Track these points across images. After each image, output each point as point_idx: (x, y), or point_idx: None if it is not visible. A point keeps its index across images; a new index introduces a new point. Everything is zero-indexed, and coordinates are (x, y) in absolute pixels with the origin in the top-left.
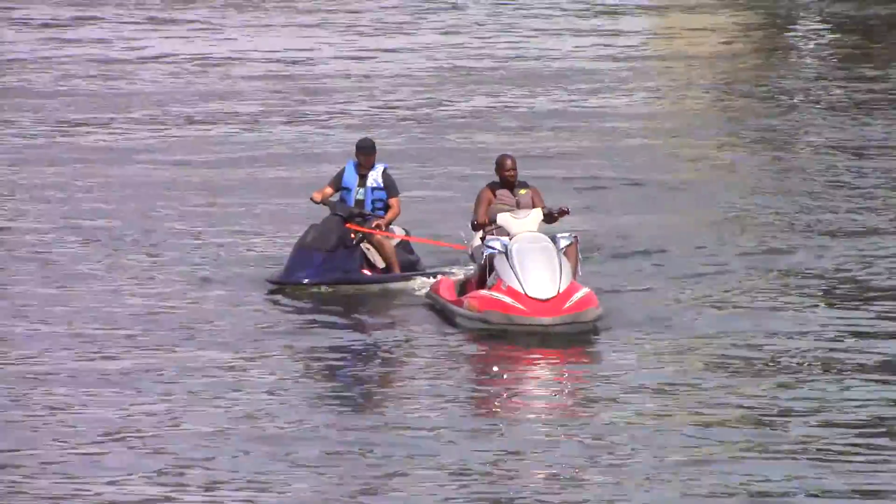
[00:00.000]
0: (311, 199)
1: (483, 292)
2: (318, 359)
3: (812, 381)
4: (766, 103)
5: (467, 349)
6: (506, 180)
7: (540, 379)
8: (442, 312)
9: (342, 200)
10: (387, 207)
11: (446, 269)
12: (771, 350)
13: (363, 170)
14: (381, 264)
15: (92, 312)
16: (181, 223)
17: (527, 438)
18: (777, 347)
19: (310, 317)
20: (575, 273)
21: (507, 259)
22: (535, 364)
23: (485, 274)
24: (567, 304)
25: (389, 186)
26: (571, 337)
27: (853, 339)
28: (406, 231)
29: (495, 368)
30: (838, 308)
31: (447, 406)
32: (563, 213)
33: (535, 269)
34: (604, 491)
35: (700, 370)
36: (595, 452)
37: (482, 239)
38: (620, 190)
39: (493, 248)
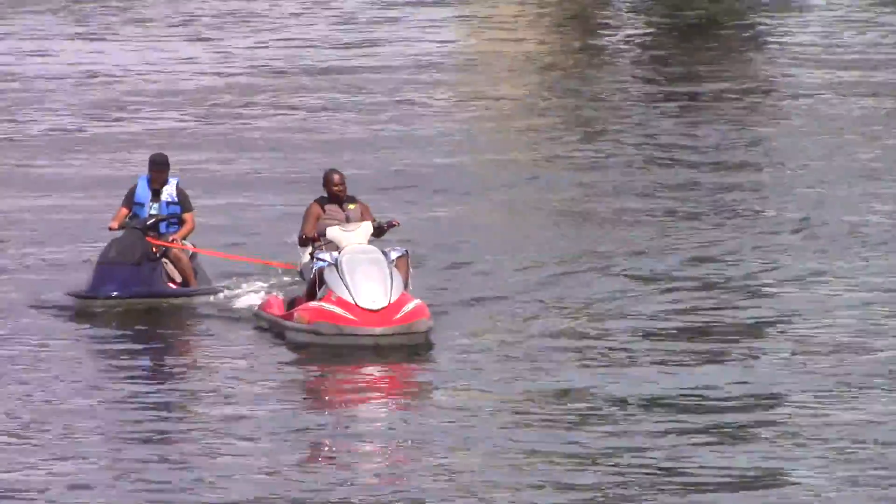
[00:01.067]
0: (110, 228)
1: (313, 304)
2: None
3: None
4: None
5: (299, 361)
6: (334, 195)
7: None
8: (271, 329)
9: (135, 216)
10: (181, 222)
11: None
12: (603, 343)
13: (156, 185)
14: (178, 278)
15: None
16: None
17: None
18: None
19: (126, 332)
20: (406, 285)
21: (337, 270)
22: (365, 376)
23: (314, 289)
24: (398, 315)
25: (183, 201)
26: (404, 349)
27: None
28: (193, 244)
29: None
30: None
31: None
32: (391, 225)
33: (366, 279)
34: None
35: (530, 372)
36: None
37: (311, 254)
38: (433, 190)
39: (323, 261)
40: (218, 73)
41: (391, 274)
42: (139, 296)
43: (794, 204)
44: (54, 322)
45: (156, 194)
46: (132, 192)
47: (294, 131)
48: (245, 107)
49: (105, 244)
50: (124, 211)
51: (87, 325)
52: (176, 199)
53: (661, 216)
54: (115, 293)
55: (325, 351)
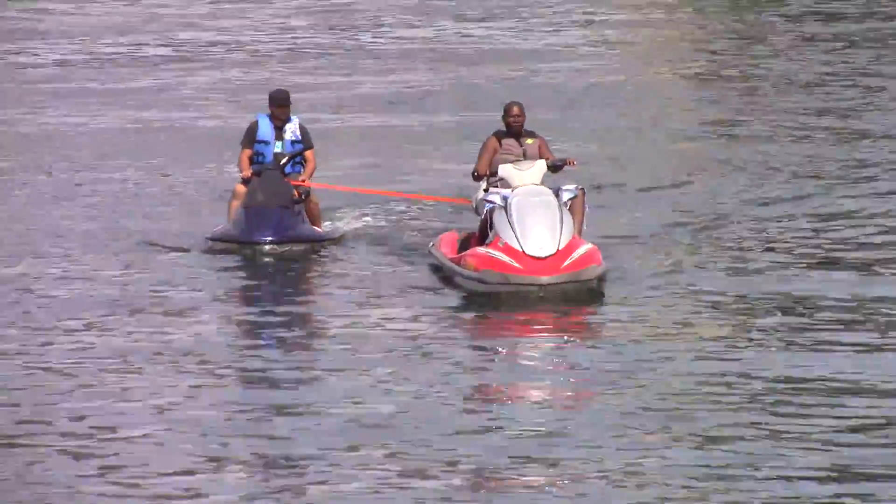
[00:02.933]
0: (243, 176)
1: (480, 250)
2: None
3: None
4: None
5: (460, 319)
6: (512, 128)
7: (533, 357)
8: (441, 270)
9: (259, 154)
10: (304, 161)
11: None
12: (785, 317)
13: (278, 122)
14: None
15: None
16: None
17: (522, 429)
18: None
19: (295, 279)
20: (580, 228)
21: (506, 214)
22: (528, 337)
23: (486, 228)
24: (566, 262)
25: (306, 138)
26: (569, 298)
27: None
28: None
29: (487, 347)
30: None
31: (437, 390)
32: (568, 164)
33: (534, 225)
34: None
35: (706, 337)
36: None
37: (485, 191)
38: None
39: (492, 202)
40: None
41: (562, 218)
42: (294, 240)
43: None
44: (208, 265)
45: (279, 132)
46: (253, 132)
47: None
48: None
49: (237, 185)
50: (247, 152)
51: (242, 270)
52: (299, 137)
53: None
54: (271, 238)
55: (492, 299)
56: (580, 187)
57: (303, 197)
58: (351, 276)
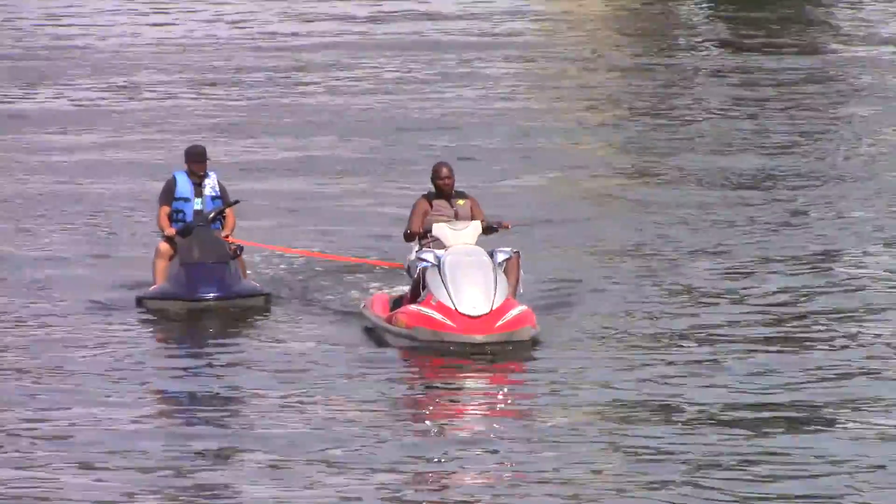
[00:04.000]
0: (167, 235)
1: (412, 308)
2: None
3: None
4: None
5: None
6: (442, 190)
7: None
8: (374, 330)
9: (179, 212)
10: (223, 217)
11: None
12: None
13: (196, 178)
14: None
15: None
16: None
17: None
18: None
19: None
20: (515, 290)
21: (439, 273)
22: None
23: (418, 289)
24: (500, 322)
25: (225, 195)
26: (505, 352)
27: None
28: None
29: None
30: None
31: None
32: (501, 226)
33: (468, 283)
34: None
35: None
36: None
37: (417, 251)
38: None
39: (426, 261)
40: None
41: (496, 278)
42: (239, 296)
43: None
44: (142, 328)
45: (197, 188)
46: (171, 189)
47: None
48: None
49: (159, 243)
50: (166, 209)
51: (181, 328)
52: (218, 193)
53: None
54: (216, 294)
55: (426, 356)
56: (515, 250)
57: (238, 253)
58: (285, 334)
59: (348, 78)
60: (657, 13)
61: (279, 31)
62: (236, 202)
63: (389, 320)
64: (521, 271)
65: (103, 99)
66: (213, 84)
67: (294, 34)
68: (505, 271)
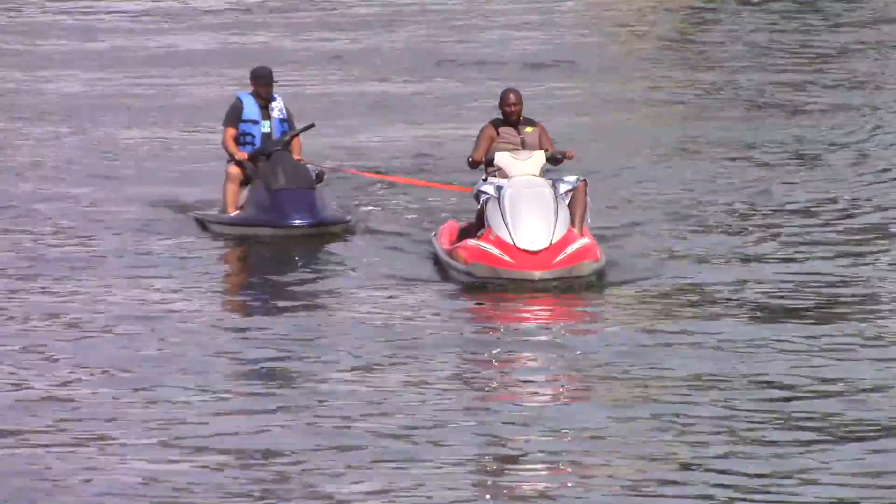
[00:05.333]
0: (238, 158)
1: (471, 242)
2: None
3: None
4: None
5: (451, 313)
6: (509, 117)
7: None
8: (437, 263)
9: (247, 134)
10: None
11: None
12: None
13: (262, 101)
14: None
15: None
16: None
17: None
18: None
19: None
20: (581, 221)
21: (499, 205)
22: (521, 330)
23: (482, 220)
24: (559, 258)
25: (291, 118)
26: (563, 292)
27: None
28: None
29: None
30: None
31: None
32: (566, 157)
33: (527, 217)
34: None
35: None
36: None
37: (484, 180)
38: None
39: (486, 193)
40: None
41: (556, 210)
42: (328, 223)
43: None
44: (221, 250)
45: (264, 111)
46: (238, 111)
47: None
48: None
49: (229, 167)
50: (233, 132)
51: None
52: (286, 116)
53: None
54: (308, 220)
55: (483, 292)
56: (581, 178)
57: (320, 178)
58: (358, 265)
59: None
60: None
61: None
62: (312, 125)
63: (451, 253)
64: (589, 200)
65: None
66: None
67: None
68: (571, 201)
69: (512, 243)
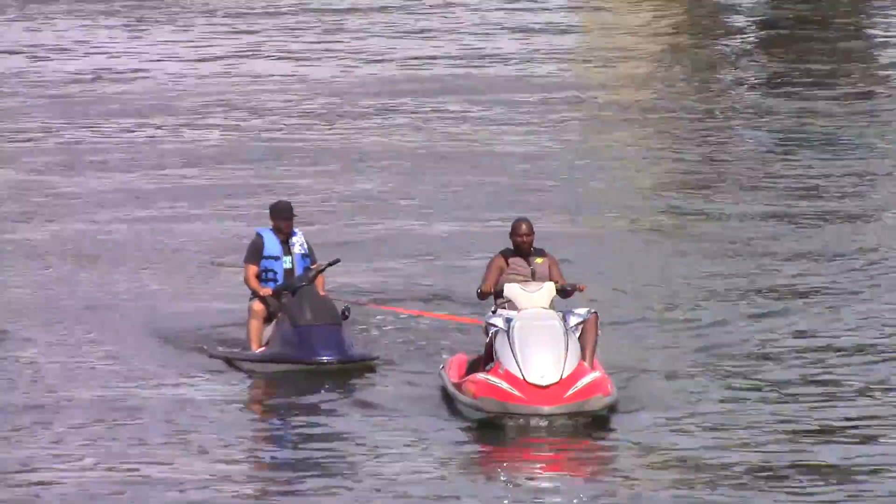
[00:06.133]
0: (262, 294)
1: (480, 376)
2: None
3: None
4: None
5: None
6: (520, 248)
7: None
8: (445, 396)
9: (268, 270)
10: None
11: None
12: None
13: (283, 236)
14: None
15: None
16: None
17: None
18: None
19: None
20: (592, 354)
21: (508, 338)
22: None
23: (491, 352)
24: (570, 392)
25: (312, 251)
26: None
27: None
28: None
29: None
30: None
31: None
32: (577, 289)
33: (537, 351)
34: None
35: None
36: None
37: (493, 312)
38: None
39: (495, 325)
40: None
41: (567, 344)
42: (355, 360)
43: None
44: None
45: (285, 246)
46: (259, 247)
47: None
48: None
49: (253, 303)
50: (254, 269)
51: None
52: (307, 251)
53: None
54: (337, 357)
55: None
56: (592, 311)
57: (346, 315)
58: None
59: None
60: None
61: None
62: (337, 261)
63: (459, 387)
64: (600, 331)
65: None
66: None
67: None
68: (582, 334)
69: (521, 378)
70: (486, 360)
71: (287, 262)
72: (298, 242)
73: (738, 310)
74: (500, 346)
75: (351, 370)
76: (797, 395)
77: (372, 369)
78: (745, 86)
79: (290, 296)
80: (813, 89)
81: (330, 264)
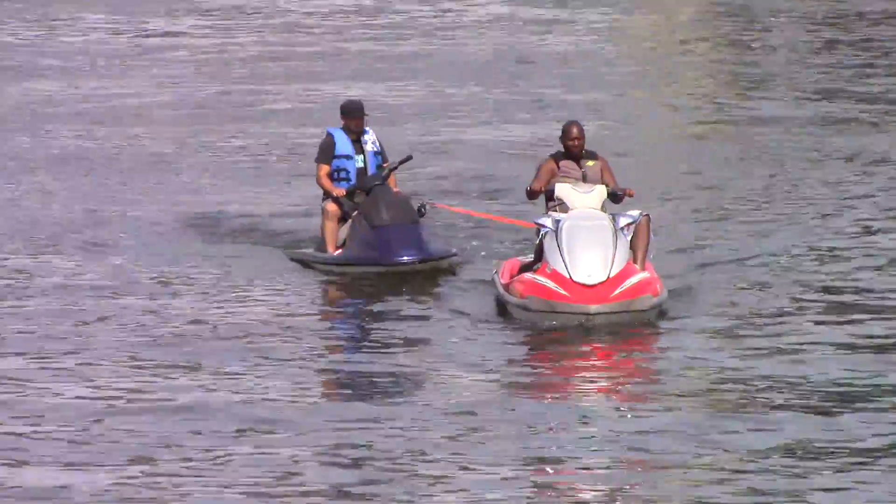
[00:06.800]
0: (336, 195)
1: (527, 276)
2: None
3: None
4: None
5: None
6: (571, 150)
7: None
8: (497, 300)
9: (341, 170)
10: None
11: None
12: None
13: (353, 135)
14: None
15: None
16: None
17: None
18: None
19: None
20: (643, 256)
21: (556, 238)
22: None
23: (541, 254)
24: (616, 291)
25: (383, 150)
26: (621, 328)
27: None
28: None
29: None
30: None
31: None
32: (627, 194)
33: (584, 250)
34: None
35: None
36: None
37: (545, 214)
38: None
39: (544, 226)
40: None
41: (615, 243)
42: (436, 258)
43: None
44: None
45: (356, 145)
46: (331, 147)
47: None
48: None
49: (326, 204)
50: (326, 168)
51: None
52: (380, 148)
53: None
54: (418, 257)
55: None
56: (644, 213)
57: (423, 212)
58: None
59: None
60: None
61: None
62: (410, 157)
63: (508, 287)
64: (652, 235)
65: None
66: None
67: None
68: (633, 236)
69: (568, 276)
70: (536, 261)
71: (359, 161)
72: (371, 140)
73: (793, 217)
74: (549, 245)
75: (429, 271)
76: (844, 308)
77: (457, 266)
78: None
79: (364, 195)
80: None
81: (402, 161)
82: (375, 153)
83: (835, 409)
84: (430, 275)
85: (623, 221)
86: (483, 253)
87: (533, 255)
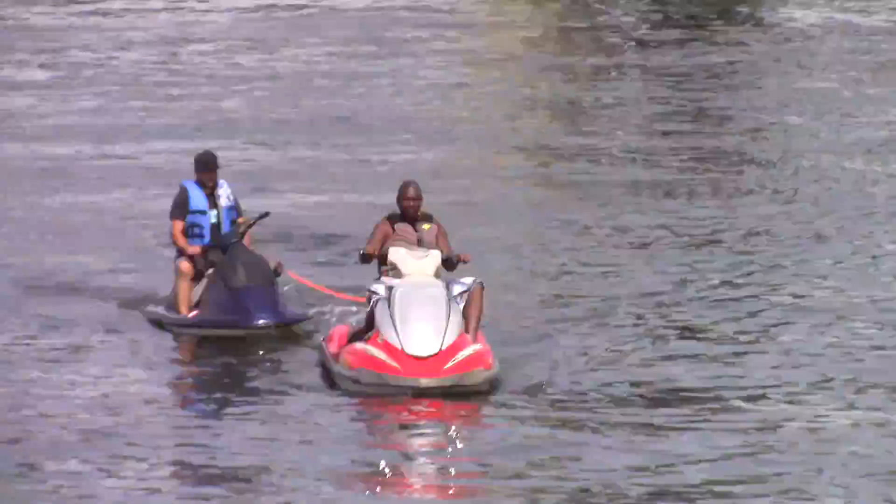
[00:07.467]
0: (190, 253)
1: (358, 346)
2: None
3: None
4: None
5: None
6: (406, 211)
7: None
8: (325, 369)
9: (195, 226)
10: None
11: None
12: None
13: (208, 189)
14: None
15: None
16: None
17: None
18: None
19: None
20: (477, 325)
21: (388, 306)
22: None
23: (372, 322)
24: (449, 364)
25: (238, 203)
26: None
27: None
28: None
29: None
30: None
31: None
32: (462, 260)
33: (417, 320)
34: None
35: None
36: None
37: (376, 280)
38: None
39: (376, 293)
40: None
41: (448, 314)
42: (291, 321)
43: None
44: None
45: (211, 199)
46: (185, 202)
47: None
48: None
49: (180, 263)
50: (180, 224)
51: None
52: (234, 203)
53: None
54: (273, 320)
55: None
56: (478, 281)
57: (279, 272)
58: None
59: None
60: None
61: None
62: (267, 214)
63: (337, 357)
64: (485, 304)
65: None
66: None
67: None
68: (466, 304)
69: (400, 348)
70: (366, 329)
71: (213, 217)
72: (224, 195)
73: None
74: (381, 314)
75: (284, 332)
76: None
77: (297, 333)
78: None
79: (220, 254)
80: None
81: (259, 218)
82: (229, 208)
83: None
84: (284, 336)
85: (457, 289)
86: (334, 319)
87: (364, 322)
